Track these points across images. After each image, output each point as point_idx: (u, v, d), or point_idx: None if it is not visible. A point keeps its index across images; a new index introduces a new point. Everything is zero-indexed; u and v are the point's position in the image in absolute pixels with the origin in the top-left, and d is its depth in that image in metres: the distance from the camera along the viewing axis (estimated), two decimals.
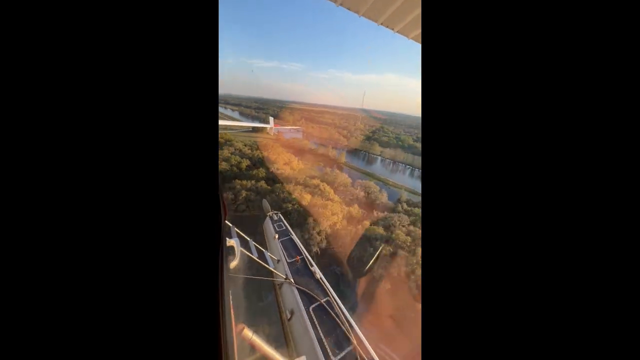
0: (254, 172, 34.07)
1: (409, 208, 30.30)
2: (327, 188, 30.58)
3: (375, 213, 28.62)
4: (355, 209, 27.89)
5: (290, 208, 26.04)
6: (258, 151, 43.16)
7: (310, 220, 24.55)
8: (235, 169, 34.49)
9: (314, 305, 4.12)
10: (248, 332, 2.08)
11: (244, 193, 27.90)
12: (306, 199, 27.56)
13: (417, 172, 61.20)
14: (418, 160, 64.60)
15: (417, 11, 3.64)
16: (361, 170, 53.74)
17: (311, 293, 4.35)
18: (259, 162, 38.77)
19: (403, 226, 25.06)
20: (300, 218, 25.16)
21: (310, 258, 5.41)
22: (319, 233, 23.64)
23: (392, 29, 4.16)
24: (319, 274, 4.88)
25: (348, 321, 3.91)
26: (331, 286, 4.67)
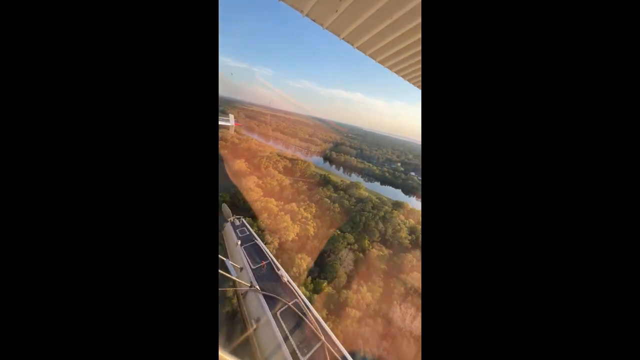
0: None
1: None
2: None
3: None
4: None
5: None
6: None
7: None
8: None
9: (281, 309, 4.00)
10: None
11: None
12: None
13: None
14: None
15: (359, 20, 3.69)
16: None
17: (278, 297, 4.22)
18: None
19: None
20: None
21: (276, 262, 5.19)
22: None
23: (338, 35, 4.21)
24: (286, 277, 4.71)
25: (316, 319, 3.84)
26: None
